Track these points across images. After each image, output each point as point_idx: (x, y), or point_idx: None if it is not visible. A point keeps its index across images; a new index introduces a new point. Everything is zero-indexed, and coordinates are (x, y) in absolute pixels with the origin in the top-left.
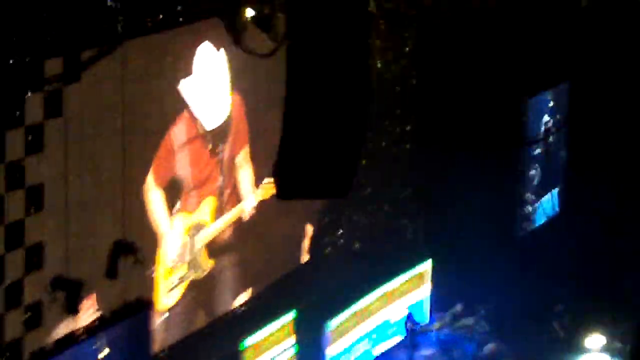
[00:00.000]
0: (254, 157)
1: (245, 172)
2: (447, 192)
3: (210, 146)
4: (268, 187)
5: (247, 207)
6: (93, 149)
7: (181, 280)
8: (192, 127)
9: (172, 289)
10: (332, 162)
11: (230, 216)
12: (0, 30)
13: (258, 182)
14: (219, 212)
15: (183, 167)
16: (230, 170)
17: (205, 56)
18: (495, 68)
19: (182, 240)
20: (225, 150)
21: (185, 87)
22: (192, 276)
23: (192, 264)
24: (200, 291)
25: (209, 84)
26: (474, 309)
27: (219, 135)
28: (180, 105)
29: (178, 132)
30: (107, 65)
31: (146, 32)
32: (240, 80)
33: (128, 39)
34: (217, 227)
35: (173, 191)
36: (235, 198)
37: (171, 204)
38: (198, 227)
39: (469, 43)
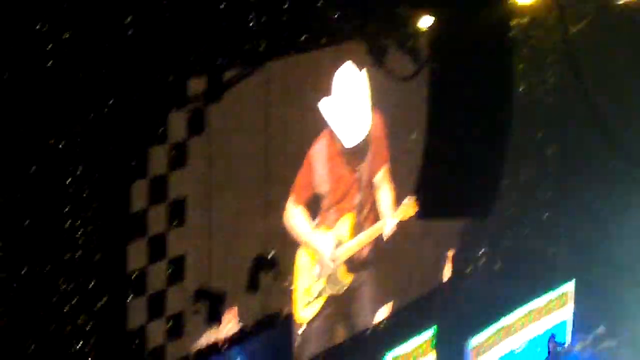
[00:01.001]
0: (394, 177)
1: (384, 191)
2: (591, 213)
3: (349, 164)
4: (407, 208)
5: (386, 228)
6: (235, 165)
7: (319, 294)
8: (332, 145)
9: (310, 303)
10: (474, 184)
11: (369, 233)
12: (145, 50)
13: (397, 202)
14: (358, 229)
15: (323, 184)
16: (369, 189)
17: (346, 76)
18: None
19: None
20: (364, 169)
21: (325, 106)
22: (330, 291)
23: (331, 279)
24: (338, 306)
25: (349, 103)
26: (617, 331)
27: (358, 153)
28: (320, 123)
29: (318, 150)
30: (249, 85)
31: (288, 53)
32: (381, 101)
33: (270, 60)
34: (356, 243)
35: (313, 207)
36: (374, 216)
37: (311, 219)
38: (337, 244)
39: (611, 66)
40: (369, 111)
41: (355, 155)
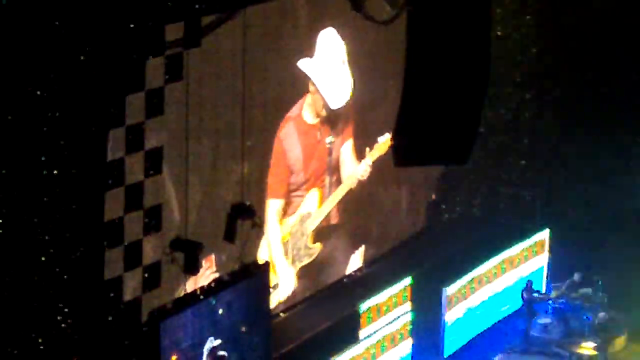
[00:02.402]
0: (367, 126)
1: (348, 163)
2: (566, 160)
3: (321, 137)
4: (382, 146)
5: (360, 169)
6: (213, 113)
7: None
8: (300, 123)
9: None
10: (451, 130)
11: (333, 200)
12: None
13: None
14: (324, 199)
15: (297, 165)
16: (336, 161)
17: (329, 39)
18: (620, 35)
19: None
20: (336, 143)
21: (307, 66)
22: (299, 265)
23: (298, 255)
24: (310, 271)
25: (332, 66)
26: (592, 279)
27: (329, 124)
28: (300, 71)
29: (288, 134)
30: (227, 32)
31: None
32: (356, 52)
33: (248, 5)
34: (323, 213)
35: (286, 198)
36: (337, 182)
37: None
38: (303, 220)
39: (591, 11)
40: (350, 75)
41: (329, 126)
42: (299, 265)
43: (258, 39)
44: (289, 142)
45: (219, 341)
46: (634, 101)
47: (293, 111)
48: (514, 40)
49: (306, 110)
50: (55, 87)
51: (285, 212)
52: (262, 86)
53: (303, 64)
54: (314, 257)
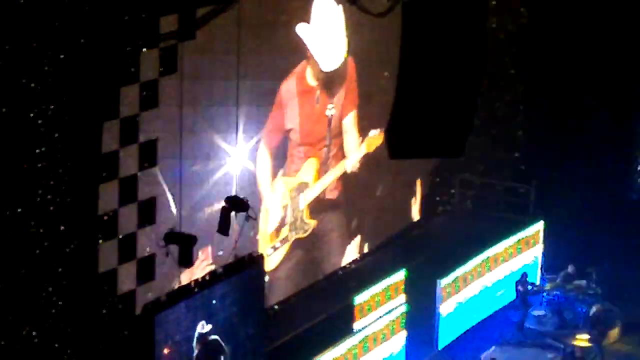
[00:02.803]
0: (362, 119)
1: (351, 134)
2: (560, 153)
3: (320, 101)
4: (374, 139)
5: (349, 162)
6: (208, 105)
7: (283, 241)
8: (303, 81)
9: (276, 250)
10: (446, 122)
11: (332, 175)
12: None
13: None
14: (323, 172)
15: (293, 121)
16: (337, 130)
17: (325, 5)
18: (617, 26)
19: (284, 203)
20: (336, 108)
21: (303, 31)
22: (296, 235)
23: (294, 225)
24: (305, 251)
25: (327, 30)
26: (586, 271)
27: (330, 89)
28: (293, 59)
29: (289, 88)
30: (222, 23)
31: None
32: (353, 43)
33: None
34: (320, 186)
35: (281, 151)
36: (339, 157)
37: (276, 168)
38: (300, 188)
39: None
40: (345, 41)
41: (326, 91)
42: (293, 235)
43: (253, 29)
44: (288, 96)
45: (209, 327)
46: (629, 94)
47: (298, 68)
48: (508, 32)
49: (308, 72)
50: (49, 80)
51: (288, 169)
52: (258, 74)
53: (300, 29)
54: (308, 233)
